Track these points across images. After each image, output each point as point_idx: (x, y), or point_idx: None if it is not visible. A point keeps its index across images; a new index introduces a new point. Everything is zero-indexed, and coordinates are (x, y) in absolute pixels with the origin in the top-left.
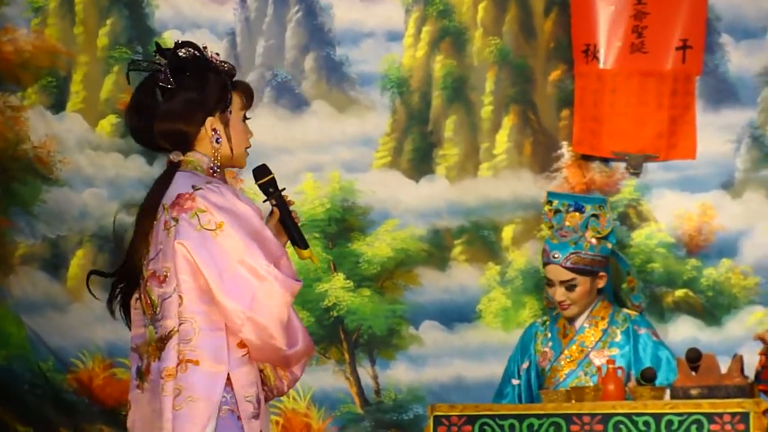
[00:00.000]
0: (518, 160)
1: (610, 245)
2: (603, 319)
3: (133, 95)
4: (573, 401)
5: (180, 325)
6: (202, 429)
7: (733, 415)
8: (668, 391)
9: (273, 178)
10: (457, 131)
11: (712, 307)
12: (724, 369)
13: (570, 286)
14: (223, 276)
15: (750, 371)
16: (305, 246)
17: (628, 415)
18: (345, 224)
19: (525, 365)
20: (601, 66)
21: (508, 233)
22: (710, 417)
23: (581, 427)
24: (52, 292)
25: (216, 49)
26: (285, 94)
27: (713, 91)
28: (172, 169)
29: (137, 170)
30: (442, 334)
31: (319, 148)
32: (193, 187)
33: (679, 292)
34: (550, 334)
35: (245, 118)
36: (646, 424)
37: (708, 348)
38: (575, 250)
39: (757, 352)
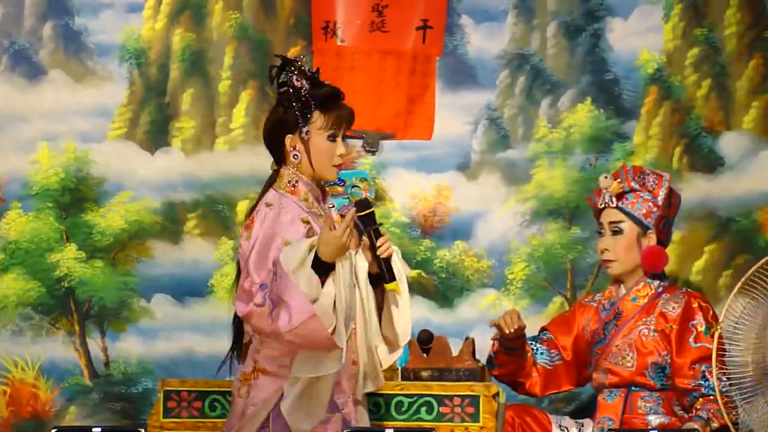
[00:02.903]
0: (255, 135)
1: None
2: None
3: None
4: None
5: (252, 335)
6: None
7: (463, 398)
8: (399, 372)
9: (372, 212)
10: (194, 104)
11: (445, 289)
12: (455, 351)
13: None
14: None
15: (481, 354)
16: (390, 280)
17: None
18: (79, 194)
19: None
20: (339, 43)
21: (242, 208)
22: (440, 399)
23: None
24: None
25: None
26: (22, 63)
27: (452, 72)
28: (270, 179)
29: None
30: (173, 308)
31: (55, 117)
32: (264, 203)
33: (413, 273)
34: None
35: (333, 138)
36: (377, 404)
37: (440, 330)
38: (338, 211)
39: (489, 337)
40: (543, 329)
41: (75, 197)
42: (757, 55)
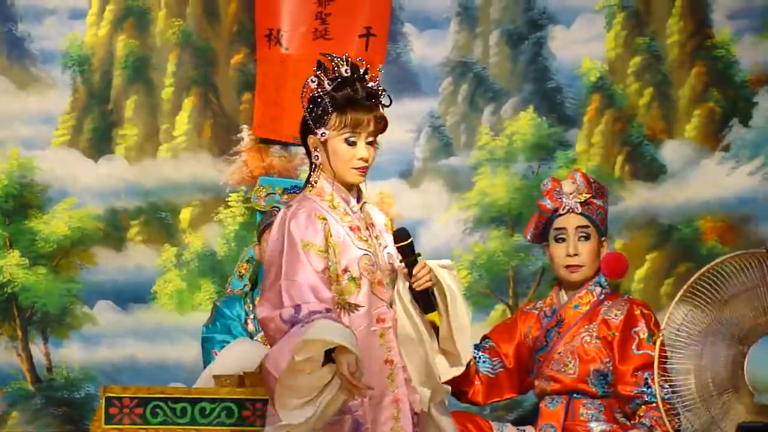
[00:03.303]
0: (198, 143)
1: None
2: None
3: None
4: (247, 386)
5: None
6: None
7: None
8: None
9: (411, 243)
10: (137, 111)
11: None
12: None
13: None
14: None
15: None
16: (430, 311)
17: None
18: (22, 201)
19: None
20: (283, 51)
21: (185, 215)
22: None
23: (253, 412)
24: None
25: None
26: None
27: (395, 79)
28: (306, 181)
29: None
30: (116, 315)
31: None
32: (286, 206)
33: None
34: None
35: (351, 141)
36: None
37: None
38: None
39: None
40: (485, 337)
41: (18, 204)
42: (699, 63)
